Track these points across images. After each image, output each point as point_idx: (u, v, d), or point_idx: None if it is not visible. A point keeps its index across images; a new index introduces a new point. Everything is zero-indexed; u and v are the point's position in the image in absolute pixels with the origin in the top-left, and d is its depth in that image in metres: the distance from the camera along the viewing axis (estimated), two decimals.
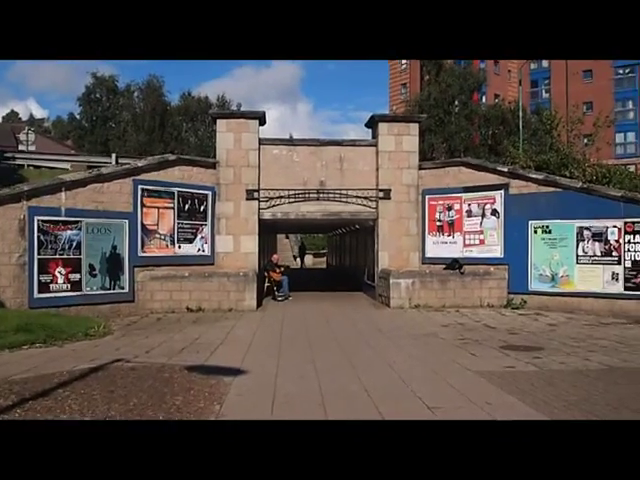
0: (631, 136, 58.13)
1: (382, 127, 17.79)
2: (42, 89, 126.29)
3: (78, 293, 14.05)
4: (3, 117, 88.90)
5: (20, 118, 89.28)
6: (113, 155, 21.05)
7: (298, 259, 46.71)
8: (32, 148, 31.77)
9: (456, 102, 44.74)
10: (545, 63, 64.80)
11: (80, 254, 14.13)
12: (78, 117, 62.04)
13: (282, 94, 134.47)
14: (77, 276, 14.05)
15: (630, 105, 58.91)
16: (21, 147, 32.10)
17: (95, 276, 14.43)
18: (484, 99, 54.42)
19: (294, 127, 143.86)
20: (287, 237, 52.56)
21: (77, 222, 14.07)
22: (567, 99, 55.03)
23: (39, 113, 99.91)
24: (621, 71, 59.80)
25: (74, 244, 14.01)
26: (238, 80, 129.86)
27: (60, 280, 13.76)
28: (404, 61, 65.14)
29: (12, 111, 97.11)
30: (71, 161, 21.71)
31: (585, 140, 23.05)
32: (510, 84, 60.91)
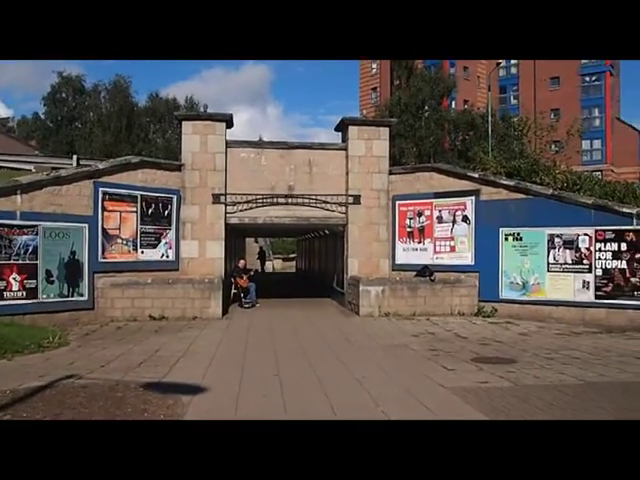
0: (597, 143, 58.83)
1: (352, 131, 17.46)
2: (7, 87, 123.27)
3: (34, 301, 13.38)
4: None
5: None
6: (74, 157, 20.28)
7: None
8: None
9: (426, 107, 44.65)
10: (513, 69, 65.38)
11: (36, 259, 13.47)
12: (43, 117, 60.63)
13: (251, 97, 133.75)
14: (33, 283, 13.39)
15: (596, 112, 59.62)
16: None
17: (52, 283, 13.79)
18: (454, 104, 54.51)
19: (264, 130, 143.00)
20: (256, 241, 51.94)
21: (33, 226, 13.41)
22: (535, 106, 55.49)
23: (3, 112, 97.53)
24: (587, 78, 60.51)
25: (30, 249, 13.35)
26: (207, 82, 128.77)
27: (15, 287, 13.09)
28: (374, 65, 65.21)
29: None
30: (31, 162, 20.91)
31: (553, 147, 23.07)
32: (479, 90, 61.18)
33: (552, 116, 52.67)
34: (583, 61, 60.50)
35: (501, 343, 11.41)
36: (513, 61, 64.83)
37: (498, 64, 51.46)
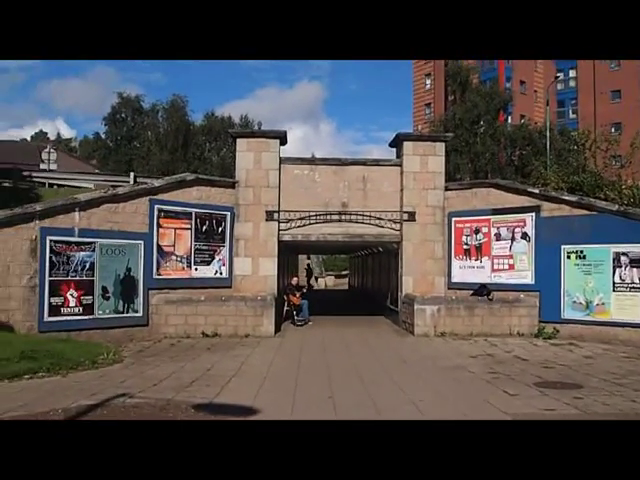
0: None
1: (407, 146, 17.19)
2: (70, 109, 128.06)
3: (90, 317, 13.57)
4: (31, 137, 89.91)
5: (48, 137, 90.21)
6: (131, 174, 20.65)
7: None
8: (54, 167, 31.69)
9: (481, 122, 43.98)
10: (572, 83, 63.89)
11: (93, 276, 13.68)
12: (103, 137, 62.44)
13: (305, 114, 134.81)
14: (89, 299, 13.59)
15: None
16: (43, 166, 32.01)
17: (108, 299, 13.95)
18: (510, 119, 53.50)
19: (317, 147, 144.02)
20: (309, 257, 51.97)
21: (91, 243, 13.63)
22: (595, 120, 54.00)
23: (67, 133, 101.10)
24: None
25: (87, 265, 13.57)
26: (261, 101, 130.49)
27: (72, 303, 13.31)
28: (428, 81, 64.74)
29: (40, 131, 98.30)
30: (90, 180, 21.42)
31: (614, 162, 22.16)
32: (536, 105, 60.05)
33: (613, 130, 51.12)
34: None
35: (565, 366, 10.86)
36: (572, 74, 63.46)
37: (556, 77, 50.49)
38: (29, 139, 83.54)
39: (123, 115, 60.70)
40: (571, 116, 61.67)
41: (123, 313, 14.26)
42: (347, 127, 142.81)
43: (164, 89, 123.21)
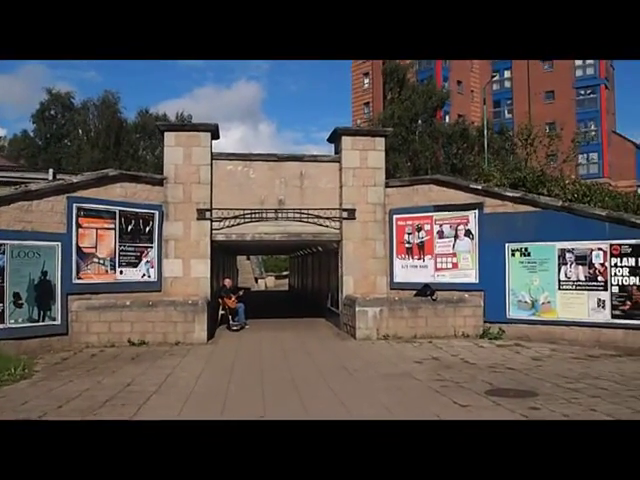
0: (594, 156, 58.09)
1: (346, 141, 16.44)
2: (0, 107, 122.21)
3: (0, 326, 12.19)
4: None
5: None
6: (50, 171, 19.17)
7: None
8: None
9: (419, 120, 43.88)
10: (507, 84, 64.83)
11: (3, 281, 12.28)
12: (32, 135, 59.62)
13: (243, 115, 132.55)
14: None
15: (592, 126, 58.94)
16: None
17: (21, 306, 12.58)
18: (447, 119, 53.80)
19: (256, 148, 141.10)
20: (248, 258, 50.85)
21: (0, 245, 12.26)
22: (530, 120, 54.76)
23: None
24: (582, 92, 59.95)
25: None
26: (198, 100, 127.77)
27: None
28: (366, 80, 64.55)
29: None
30: (4, 177, 19.70)
31: (555, 158, 22.06)
32: (473, 104, 60.60)
33: (547, 129, 51.95)
34: (577, 74, 60.16)
35: (514, 370, 10.28)
36: (506, 75, 64.41)
37: (492, 77, 51.03)
38: None
39: (52, 112, 58.32)
40: (507, 116, 62.54)
41: (39, 321, 12.91)
42: (286, 128, 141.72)
43: (98, 87, 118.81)
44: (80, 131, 56.04)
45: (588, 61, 58.67)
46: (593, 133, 56.13)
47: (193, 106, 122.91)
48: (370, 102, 62.89)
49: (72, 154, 53.73)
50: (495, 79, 58.27)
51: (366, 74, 63.93)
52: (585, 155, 56.47)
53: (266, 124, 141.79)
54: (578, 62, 59.20)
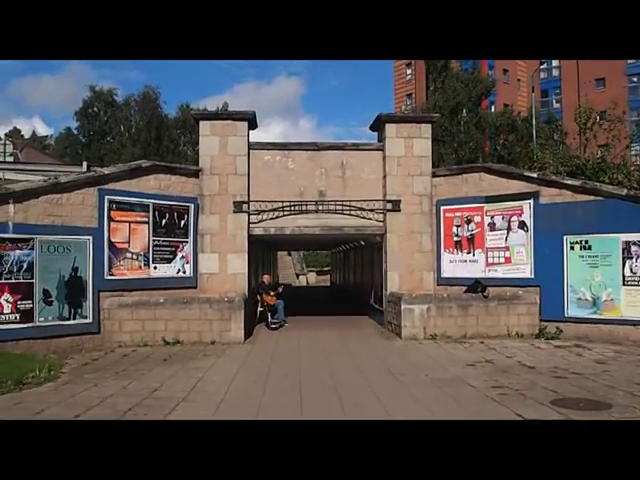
0: None
1: (390, 129, 15.51)
2: (46, 107, 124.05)
3: (29, 325, 11.70)
4: (5, 134, 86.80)
5: (22, 135, 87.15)
6: (84, 163, 18.74)
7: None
8: (10, 160, 29.67)
9: (464, 110, 42.40)
10: (555, 72, 62.58)
11: (32, 278, 11.80)
12: (75, 132, 60.23)
13: (283, 110, 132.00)
14: (28, 304, 11.71)
15: None
16: None
17: (51, 304, 12.09)
18: (493, 109, 52.08)
19: None
20: (289, 254, 50.25)
21: (28, 240, 11.76)
22: (576, 109, 52.75)
23: (44, 131, 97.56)
24: (635, 79, 57.46)
25: (25, 266, 11.71)
26: (238, 96, 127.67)
27: (6, 309, 11.45)
28: (409, 71, 63.15)
29: (14, 128, 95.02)
30: (41, 171, 19.37)
31: (597, 152, 20.60)
32: (520, 93, 58.71)
33: (597, 118, 49.89)
34: (629, 61, 57.60)
35: (579, 375, 9.25)
36: (555, 63, 62.15)
37: (542, 63, 49.19)
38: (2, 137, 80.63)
39: (95, 109, 58.75)
40: (555, 105, 60.40)
41: (69, 320, 12.41)
42: (327, 123, 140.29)
43: (140, 85, 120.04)
44: (122, 127, 56.25)
45: None
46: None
47: (234, 102, 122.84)
48: (413, 93, 61.46)
49: (114, 150, 53.96)
50: (543, 67, 56.25)
51: (408, 65, 62.48)
52: (636, 145, 54.15)
53: (306, 119, 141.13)
54: None
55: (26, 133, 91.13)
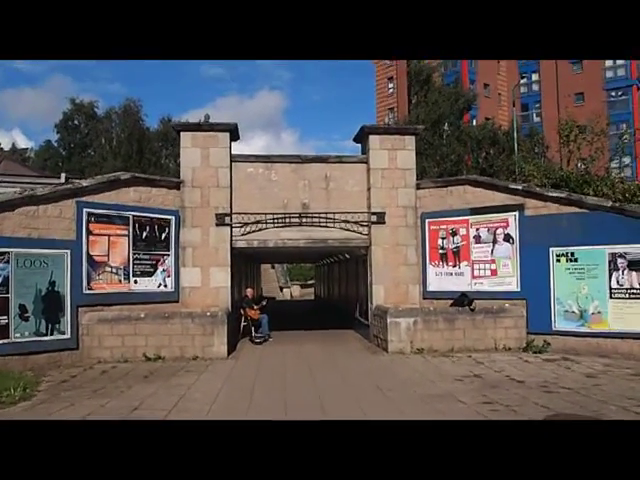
0: (626, 159, 56.21)
1: (373, 140, 15.39)
2: (26, 120, 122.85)
3: (4, 341, 11.31)
4: None
5: (1, 148, 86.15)
6: (63, 175, 18.41)
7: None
8: None
9: (445, 123, 42.57)
10: (535, 87, 63.15)
11: (7, 292, 11.42)
12: (55, 145, 59.53)
13: (266, 124, 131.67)
14: (3, 319, 11.34)
15: (624, 128, 57.09)
16: None
17: (27, 319, 11.71)
18: (475, 122, 52.38)
19: None
20: (273, 267, 49.95)
21: (3, 253, 11.39)
22: (559, 123, 53.26)
23: (24, 144, 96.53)
24: (613, 93, 58.19)
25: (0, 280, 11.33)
26: (220, 110, 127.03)
27: None
28: (391, 84, 63.39)
29: None
30: (17, 182, 18.94)
31: (580, 164, 20.66)
32: (501, 107, 59.13)
33: (578, 132, 50.33)
34: (608, 75, 58.42)
35: (570, 390, 9.09)
36: (534, 78, 62.80)
37: (521, 79, 49.65)
38: None
39: (76, 122, 58.08)
40: (535, 119, 60.93)
41: (46, 335, 12.03)
42: (309, 136, 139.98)
43: (122, 98, 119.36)
44: (103, 140, 55.70)
45: (619, 62, 56.96)
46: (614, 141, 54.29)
47: (216, 115, 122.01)
48: (395, 107, 61.54)
49: (95, 163, 53.36)
50: (523, 82, 56.86)
51: (390, 79, 62.65)
52: (617, 158, 54.75)
53: (289, 133, 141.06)
54: (608, 63, 57.57)
55: (6, 146, 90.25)
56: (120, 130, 53.96)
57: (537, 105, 62.79)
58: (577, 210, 13.25)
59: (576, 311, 13.03)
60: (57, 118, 56.86)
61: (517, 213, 13.95)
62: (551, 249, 13.36)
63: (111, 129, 55.38)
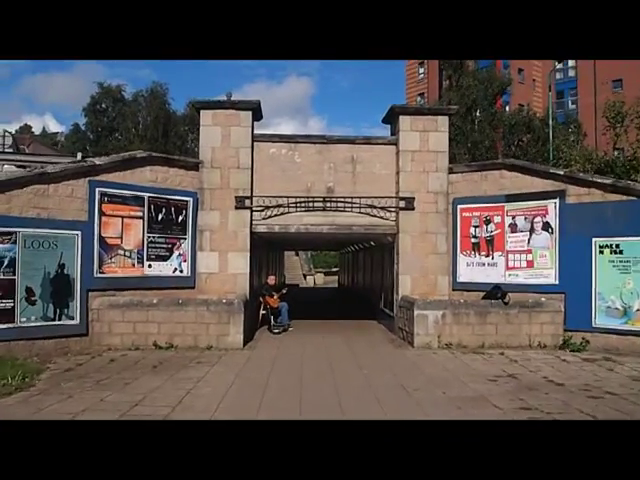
0: None
1: (404, 121, 14.49)
2: (58, 104, 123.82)
3: (9, 325, 10.78)
4: (15, 131, 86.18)
5: (33, 132, 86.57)
6: (79, 154, 17.83)
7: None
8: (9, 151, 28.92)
9: (478, 109, 41.18)
10: (571, 73, 61.29)
11: (14, 274, 10.86)
12: (84, 128, 59.50)
13: (293, 110, 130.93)
14: (9, 303, 10.79)
15: None
16: None
17: (34, 303, 11.15)
18: (507, 109, 50.87)
19: None
20: (297, 254, 49.26)
21: (10, 233, 10.82)
22: (595, 111, 51.43)
23: (55, 128, 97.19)
24: None
25: (6, 261, 10.79)
26: (248, 96, 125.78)
27: None
28: (421, 70, 62.07)
29: (25, 125, 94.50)
30: (36, 162, 18.41)
31: (630, 149, 19.50)
32: (535, 94, 57.48)
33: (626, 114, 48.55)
34: None
35: (616, 396, 8.18)
36: (571, 63, 60.85)
37: (559, 63, 47.98)
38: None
39: (104, 105, 57.89)
40: (570, 106, 59.12)
41: (54, 320, 11.48)
42: (337, 124, 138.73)
43: (147, 81, 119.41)
44: (129, 123, 55.46)
45: None
46: None
47: None
48: (425, 92, 60.38)
49: (121, 147, 53.14)
50: (559, 67, 55.03)
51: (421, 63, 61.34)
52: None
53: (316, 120, 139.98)
54: None
55: (37, 130, 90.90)
56: (146, 113, 53.60)
57: (572, 92, 60.91)
58: (624, 198, 12.24)
59: (619, 307, 12.06)
60: (86, 102, 56.60)
61: (557, 200, 12.97)
62: (594, 240, 12.38)
63: (138, 112, 55.09)
